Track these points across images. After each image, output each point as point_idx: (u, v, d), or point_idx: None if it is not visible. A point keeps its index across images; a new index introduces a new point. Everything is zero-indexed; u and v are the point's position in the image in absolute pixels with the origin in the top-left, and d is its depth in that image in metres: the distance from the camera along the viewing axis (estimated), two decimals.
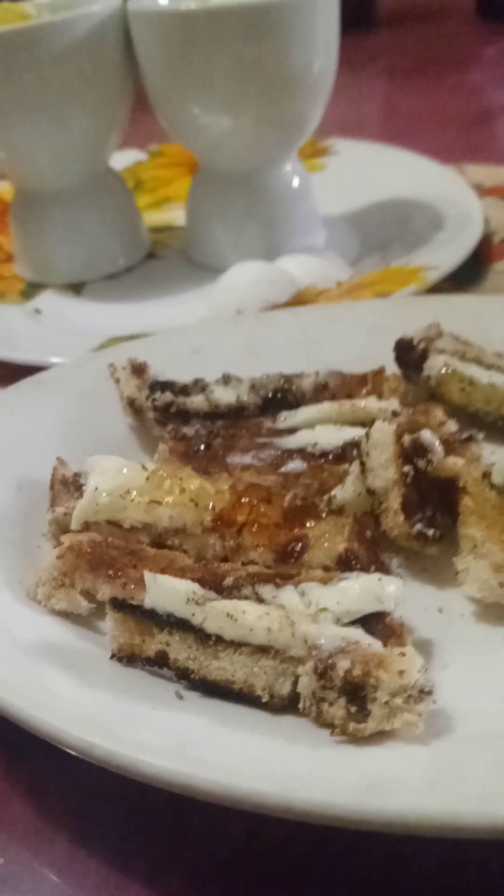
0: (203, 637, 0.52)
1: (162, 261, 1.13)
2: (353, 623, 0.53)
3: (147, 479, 0.64)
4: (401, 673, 0.48)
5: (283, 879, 0.48)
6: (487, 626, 0.58)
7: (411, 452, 0.62)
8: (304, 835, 0.49)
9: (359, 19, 2.06)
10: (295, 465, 0.67)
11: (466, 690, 0.53)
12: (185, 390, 0.74)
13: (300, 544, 0.60)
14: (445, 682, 0.53)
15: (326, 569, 0.58)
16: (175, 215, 1.21)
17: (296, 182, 1.07)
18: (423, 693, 0.48)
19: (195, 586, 0.53)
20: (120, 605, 0.54)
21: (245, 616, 0.51)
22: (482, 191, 1.21)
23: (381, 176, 1.23)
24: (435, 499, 0.62)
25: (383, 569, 0.60)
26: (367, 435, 0.63)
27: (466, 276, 1.01)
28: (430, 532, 0.60)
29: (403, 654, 0.49)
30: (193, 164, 1.22)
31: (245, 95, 0.97)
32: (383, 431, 0.62)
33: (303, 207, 1.07)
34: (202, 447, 0.70)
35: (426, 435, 0.62)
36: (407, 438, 0.62)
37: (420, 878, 0.48)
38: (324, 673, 0.49)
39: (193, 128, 1.01)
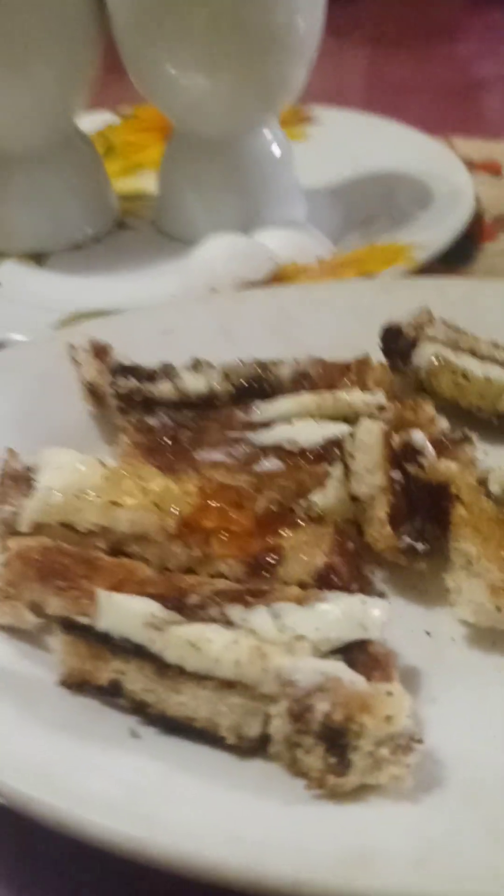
0: (162, 667, 0.45)
1: (132, 231, 1.05)
2: (334, 652, 0.47)
3: (105, 477, 0.57)
4: (388, 719, 0.42)
5: None
6: (480, 652, 0.52)
7: (400, 455, 0.55)
8: None
9: None
10: (270, 463, 0.61)
11: (457, 729, 0.47)
12: (151, 376, 0.68)
13: (275, 556, 0.53)
14: (434, 718, 0.47)
15: (303, 585, 0.52)
16: (147, 183, 1.13)
17: (276, 150, 0.99)
18: (413, 741, 0.42)
19: (155, 607, 0.47)
20: (70, 625, 0.48)
21: (210, 645, 0.45)
22: (471, 166, 1.14)
23: (366, 147, 1.15)
24: (425, 508, 0.56)
25: (366, 586, 0.54)
26: (352, 434, 0.57)
27: (456, 257, 0.94)
28: (419, 546, 0.54)
29: (390, 694, 0.43)
30: (169, 130, 1.15)
31: (223, 54, 0.89)
32: (370, 432, 0.56)
33: (283, 177, 1.00)
34: (168, 440, 0.63)
35: (417, 436, 0.56)
36: (396, 440, 0.56)
37: None
38: (300, 715, 0.42)
39: (168, 88, 0.94)
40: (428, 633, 0.53)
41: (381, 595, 0.54)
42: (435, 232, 0.93)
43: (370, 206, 1.04)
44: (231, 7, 0.87)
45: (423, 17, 2.14)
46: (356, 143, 1.17)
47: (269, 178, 0.99)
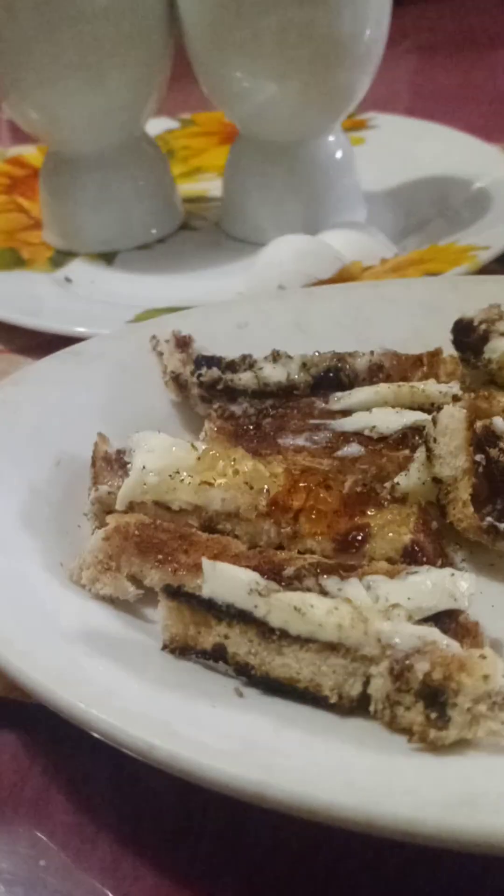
0: (266, 631, 0.48)
1: (196, 232, 1.09)
2: (426, 620, 0.49)
3: (198, 458, 0.60)
4: (485, 678, 0.44)
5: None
6: None
7: (483, 440, 0.58)
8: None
9: None
10: (351, 449, 0.63)
11: None
12: (232, 366, 0.71)
13: (361, 533, 0.56)
14: None
15: (391, 561, 0.55)
16: (207, 186, 1.16)
17: (339, 154, 1.02)
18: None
19: (257, 576, 0.50)
20: (175, 593, 0.50)
21: (313, 610, 0.48)
22: None
23: (421, 152, 1.18)
24: None
25: (449, 562, 0.57)
26: (434, 420, 0.60)
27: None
28: (501, 526, 0.57)
29: (484, 657, 0.46)
30: (226, 134, 1.18)
31: (291, 61, 0.92)
32: (454, 416, 0.58)
33: (345, 181, 1.03)
34: (251, 427, 0.66)
35: (499, 422, 0.58)
36: (479, 425, 0.58)
37: None
38: (400, 674, 0.45)
39: (236, 94, 0.97)
40: None
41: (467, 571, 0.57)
42: (494, 234, 0.95)
43: (427, 208, 1.07)
44: (300, 16, 0.90)
45: (469, 24, 2.16)
46: (411, 147, 1.20)
47: (332, 181, 1.02)
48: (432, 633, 0.47)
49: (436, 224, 1.03)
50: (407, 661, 0.45)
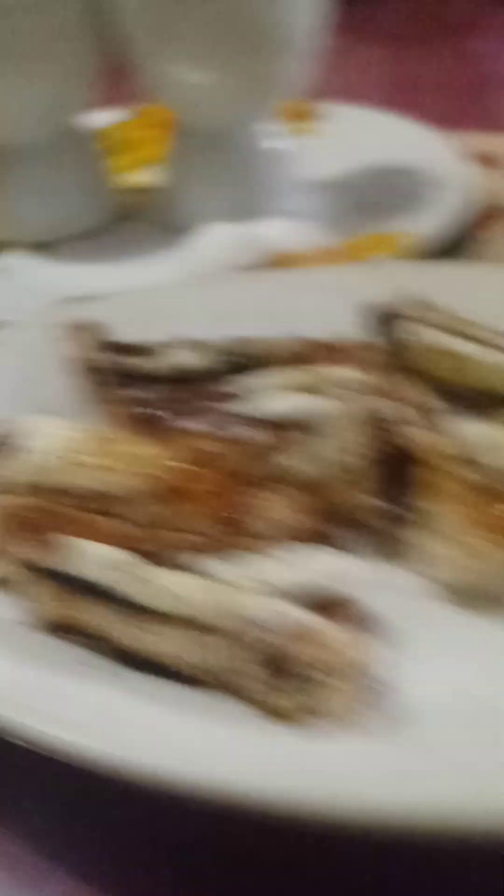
0: (129, 607, 0.48)
1: (137, 222, 1.08)
2: (298, 599, 0.49)
3: (94, 443, 0.60)
4: (344, 653, 0.45)
5: None
6: (449, 611, 0.54)
7: (382, 425, 0.58)
8: None
9: None
10: (248, 432, 0.63)
11: (419, 680, 0.49)
12: (141, 353, 0.70)
13: (247, 513, 0.56)
14: (398, 669, 0.49)
15: (274, 540, 0.55)
16: (155, 177, 1.16)
17: (278, 143, 1.02)
18: (369, 677, 0.44)
19: (124, 553, 0.50)
20: (37, 569, 0.50)
21: (177, 586, 0.48)
22: (479, 159, 1.17)
23: (371, 141, 1.18)
24: (403, 475, 0.58)
25: (336, 544, 0.57)
26: (333, 404, 0.60)
27: (452, 246, 0.97)
28: (395, 510, 0.56)
29: (350, 634, 0.46)
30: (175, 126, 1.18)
31: (222, 50, 0.93)
32: (351, 401, 0.59)
33: (284, 170, 1.03)
34: (153, 412, 0.66)
35: (399, 408, 0.58)
36: (378, 410, 0.58)
37: None
38: (255, 648, 0.45)
39: (172, 83, 0.97)
40: (397, 592, 0.55)
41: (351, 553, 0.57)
42: (428, 221, 0.95)
43: (373, 197, 1.07)
44: (229, 6, 0.90)
45: (441, 15, 2.16)
46: (362, 137, 1.19)
47: (271, 169, 1.02)
48: (294, 608, 0.47)
49: (379, 213, 1.03)
50: (263, 635, 0.45)
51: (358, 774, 0.40)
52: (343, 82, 1.63)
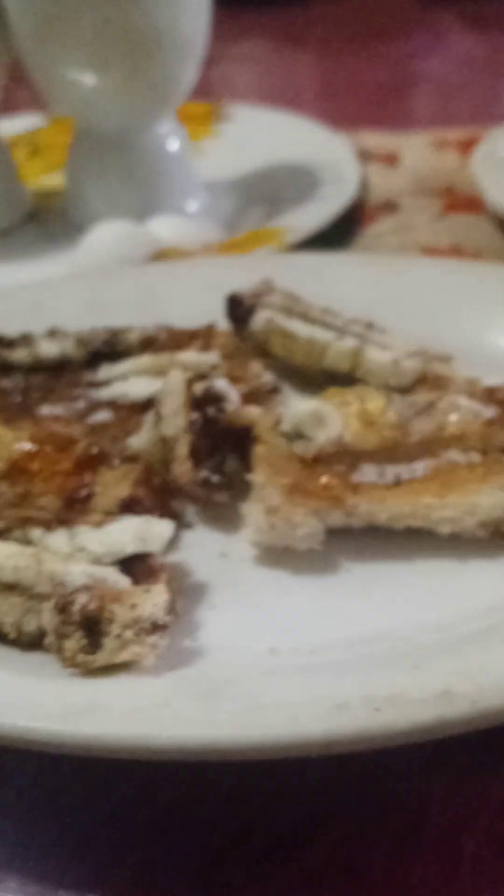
0: None
1: (44, 223, 1.13)
2: (115, 564, 0.53)
3: None
4: (133, 606, 0.49)
5: None
6: (263, 569, 0.58)
7: (202, 400, 0.62)
8: None
9: None
10: (103, 415, 0.68)
11: (225, 631, 0.54)
12: (9, 344, 0.75)
13: (87, 490, 0.60)
14: (209, 621, 0.54)
15: (109, 514, 0.59)
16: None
17: (172, 144, 1.06)
18: (157, 626, 0.49)
19: None
20: None
21: (4, 557, 0.52)
22: (372, 157, 1.22)
23: (270, 141, 1.23)
24: (226, 447, 0.62)
25: (170, 515, 0.61)
26: (171, 384, 0.64)
27: (337, 240, 1.01)
28: (216, 478, 0.61)
29: (147, 591, 0.50)
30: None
31: (111, 55, 0.97)
32: (175, 379, 0.63)
33: (179, 170, 1.07)
34: (15, 399, 0.70)
35: (219, 383, 0.63)
36: (199, 386, 0.63)
37: None
38: (63, 608, 0.49)
39: (64, 88, 1.01)
40: (223, 555, 0.60)
41: (188, 525, 0.61)
42: (314, 216, 1.00)
43: (266, 196, 1.11)
44: (116, 11, 0.94)
45: (372, 19, 2.21)
46: (261, 137, 1.24)
47: (165, 170, 1.06)
48: (105, 572, 0.51)
49: (269, 209, 1.08)
50: (70, 596, 0.49)
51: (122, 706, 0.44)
52: (269, 84, 1.69)
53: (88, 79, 0.99)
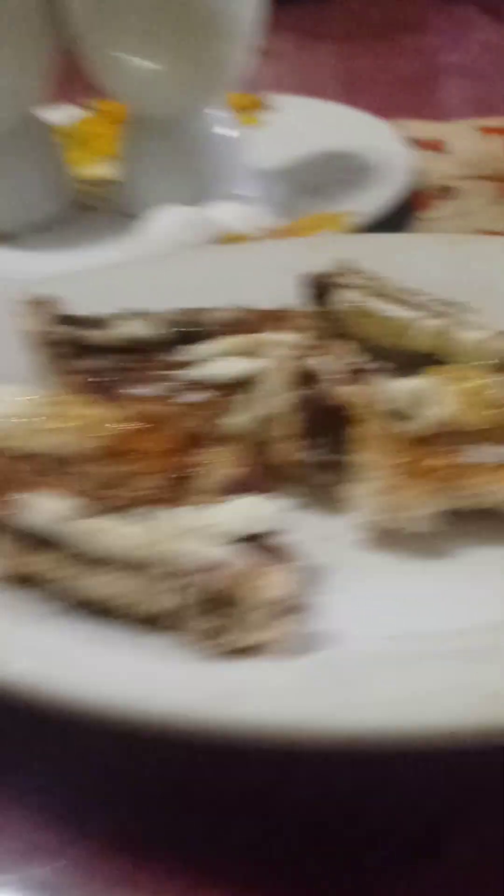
0: (76, 555, 0.51)
1: (95, 212, 1.12)
2: (232, 543, 0.52)
3: (44, 406, 0.63)
4: (266, 588, 0.47)
5: None
6: (374, 553, 0.57)
7: (304, 380, 0.61)
8: None
9: None
10: (192, 395, 0.67)
11: (346, 616, 0.52)
12: (94, 325, 0.74)
13: (189, 471, 0.59)
14: (326, 607, 0.53)
15: (213, 494, 0.58)
16: (112, 170, 1.19)
17: (224, 129, 1.06)
18: (292, 609, 0.48)
19: (73, 504, 0.53)
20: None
21: (117, 534, 0.51)
22: (418, 144, 1.21)
23: (316, 129, 1.22)
24: (327, 427, 0.61)
25: (274, 495, 0.60)
26: (269, 364, 0.63)
27: (395, 225, 1.01)
28: (319, 459, 0.60)
29: (273, 572, 0.49)
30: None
31: (165, 39, 0.96)
32: (277, 359, 0.62)
33: (231, 155, 1.06)
34: (103, 380, 0.69)
35: (321, 363, 0.62)
36: (301, 366, 0.62)
37: None
38: (191, 588, 0.48)
39: (119, 72, 1.01)
40: (326, 539, 0.58)
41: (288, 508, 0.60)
42: (368, 200, 0.99)
43: (318, 182, 1.11)
44: None
45: (392, 13, 2.21)
46: (308, 125, 1.24)
47: (218, 155, 1.05)
48: (228, 551, 0.50)
49: (325, 195, 1.07)
50: (199, 576, 0.48)
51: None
52: (297, 78, 1.68)
53: (144, 60, 0.98)
